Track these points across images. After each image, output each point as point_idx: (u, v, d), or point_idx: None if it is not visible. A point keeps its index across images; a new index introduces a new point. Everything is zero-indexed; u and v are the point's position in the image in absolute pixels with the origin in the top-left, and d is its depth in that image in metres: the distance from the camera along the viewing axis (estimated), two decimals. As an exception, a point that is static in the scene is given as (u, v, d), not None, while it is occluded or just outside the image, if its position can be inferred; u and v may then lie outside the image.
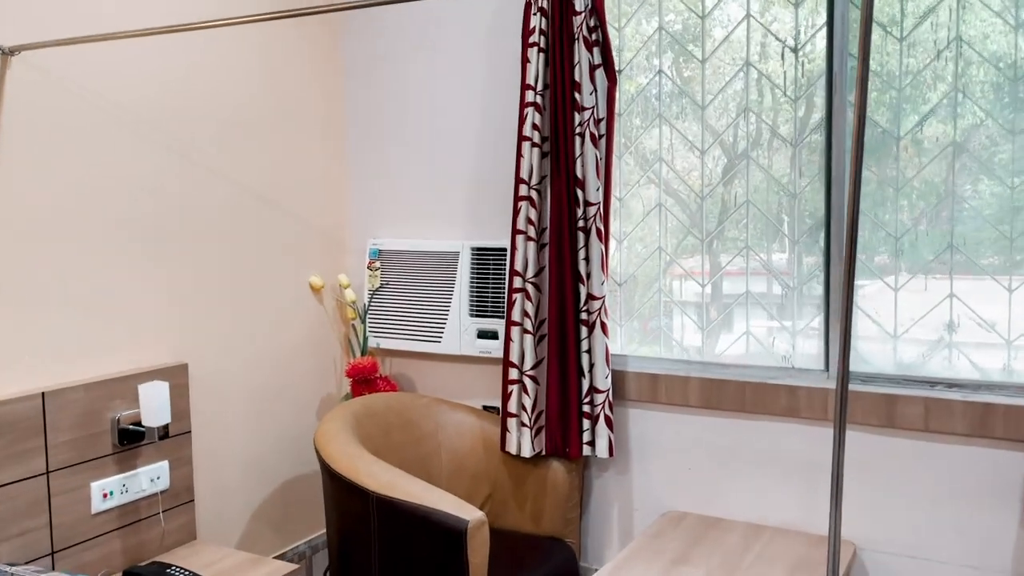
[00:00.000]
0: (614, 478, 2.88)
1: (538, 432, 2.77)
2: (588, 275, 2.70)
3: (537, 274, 2.74)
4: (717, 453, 2.69)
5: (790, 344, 2.63)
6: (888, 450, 2.42)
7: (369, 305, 3.24)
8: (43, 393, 2.24)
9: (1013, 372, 2.34)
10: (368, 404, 2.83)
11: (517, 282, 2.75)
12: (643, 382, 2.78)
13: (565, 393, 2.77)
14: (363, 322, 3.23)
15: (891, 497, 2.43)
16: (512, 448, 2.79)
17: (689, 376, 2.70)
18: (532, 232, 2.71)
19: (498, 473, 2.90)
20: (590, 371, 2.73)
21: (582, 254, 2.69)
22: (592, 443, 2.76)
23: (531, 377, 2.74)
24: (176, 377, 2.59)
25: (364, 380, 3.10)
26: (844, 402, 1.45)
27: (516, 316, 2.75)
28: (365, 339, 3.22)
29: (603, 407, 2.72)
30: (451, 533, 2.24)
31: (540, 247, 2.75)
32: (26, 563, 2.20)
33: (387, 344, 3.20)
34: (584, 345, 2.73)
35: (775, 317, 2.65)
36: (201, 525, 2.78)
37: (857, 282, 2.53)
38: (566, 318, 2.74)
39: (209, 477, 2.80)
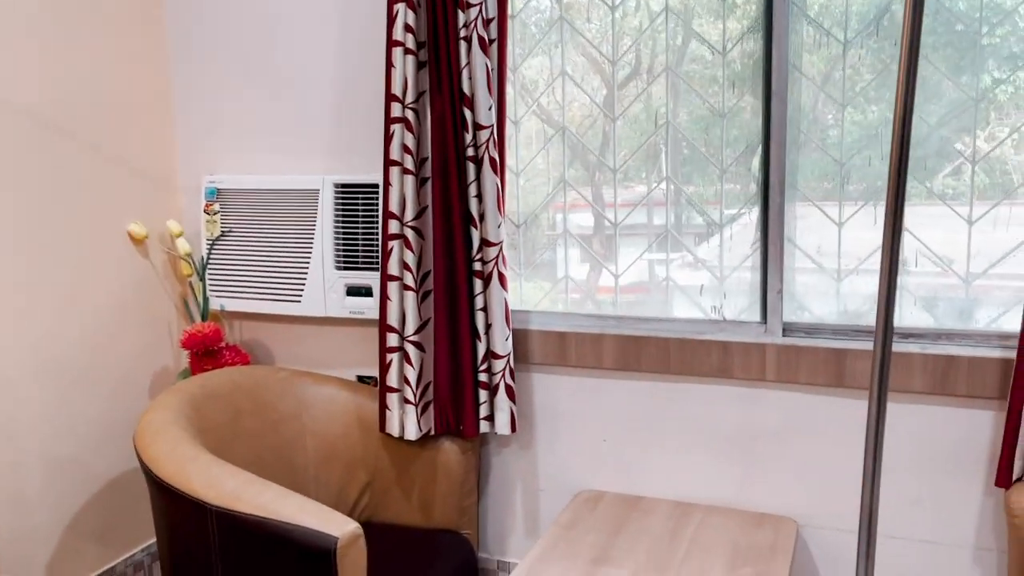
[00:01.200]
0: (516, 455, 2.44)
1: (425, 409, 2.29)
2: (481, 216, 2.20)
3: (418, 216, 2.22)
4: (637, 422, 2.29)
5: (720, 293, 2.24)
6: (836, 412, 2.08)
7: (208, 258, 2.63)
8: None
9: (973, 318, 2.03)
10: (208, 384, 2.26)
11: (393, 226, 2.22)
12: (549, 342, 2.33)
13: (457, 361, 2.28)
14: (201, 280, 2.62)
15: (838, 466, 2.10)
16: (394, 429, 2.29)
17: (603, 333, 2.27)
18: (410, 163, 2.18)
19: (378, 458, 2.40)
20: (487, 333, 2.26)
21: (473, 190, 2.19)
22: (491, 418, 2.31)
23: (414, 343, 2.24)
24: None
25: (206, 352, 2.51)
26: (886, 364, 1.03)
27: (393, 269, 2.23)
28: (205, 300, 2.62)
29: (503, 375, 2.25)
30: (316, 553, 1.74)
31: (421, 182, 2.22)
32: None
33: (234, 306, 2.61)
34: (479, 302, 2.24)
35: (700, 261, 2.25)
36: (-8, 549, 2.16)
37: (793, 213, 2.14)
38: (456, 270, 2.24)
39: None
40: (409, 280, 2.21)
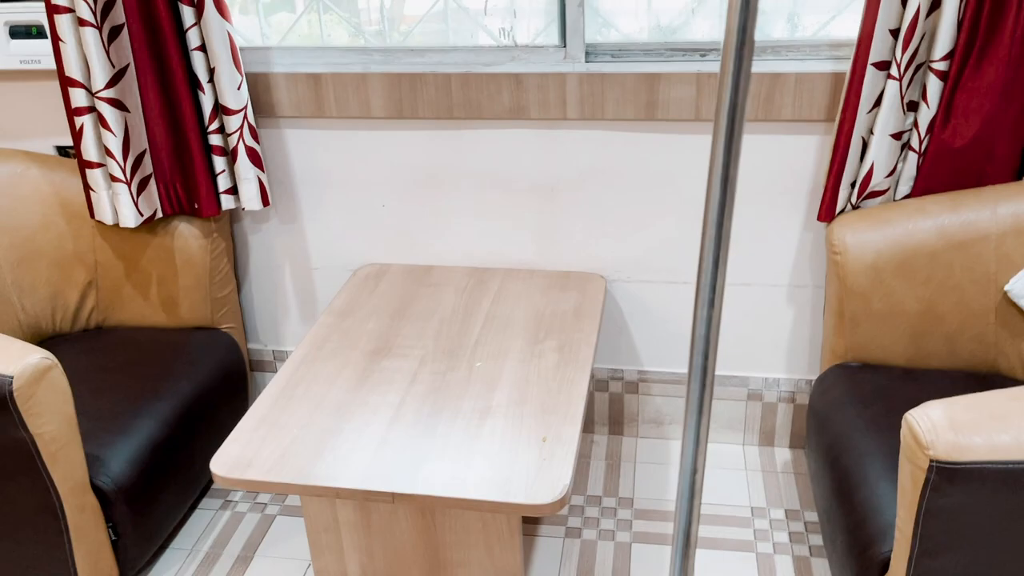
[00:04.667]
0: (280, 231, 2.00)
1: (143, 186, 1.76)
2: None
3: (82, -86, 1.55)
4: (419, 180, 1.89)
5: (511, 10, 1.77)
6: (645, 151, 1.77)
7: None
8: None
9: (799, 26, 1.71)
10: None
11: (47, -69, 1.55)
12: (301, 88, 1.81)
13: (177, 120, 1.74)
14: None
15: (650, 210, 1.82)
16: (105, 215, 1.77)
17: (368, 72, 1.78)
18: None
19: (97, 251, 1.89)
20: (211, 81, 1.71)
21: None
22: (234, 191, 1.82)
23: (109, 100, 1.66)
24: None
25: None
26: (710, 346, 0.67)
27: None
28: None
29: (240, 135, 1.75)
30: (-13, 399, 1.29)
31: None
32: None
33: None
34: (193, 38, 1.67)
35: (484, -31, 1.75)
36: None
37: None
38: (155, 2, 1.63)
39: None
40: (84, 11, 1.58)
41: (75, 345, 1.88)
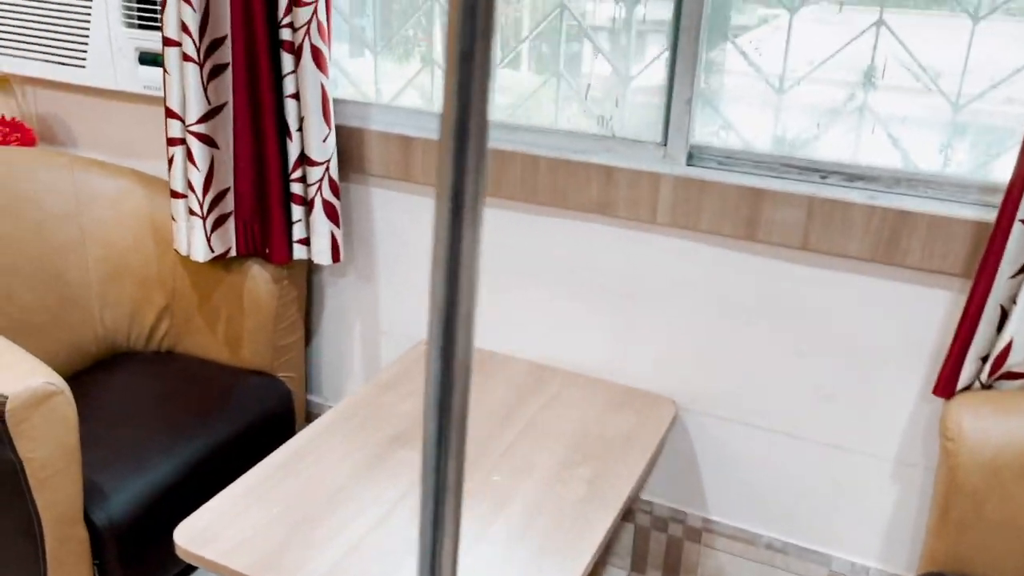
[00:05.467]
0: (355, 288, 1.94)
1: (220, 223, 1.76)
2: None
3: (203, -45, 1.57)
4: (494, 259, 1.76)
5: (614, 97, 1.63)
6: (741, 272, 1.55)
7: (-25, 2, 2.01)
8: None
9: (951, 160, 1.44)
10: (-66, 169, 1.72)
11: (168, -32, 1.59)
12: (392, 148, 1.75)
13: (262, 163, 1.73)
14: (-30, 31, 2.02)
15: (736, 341, 1.59)
16: (181, 246, 1.78)
17: (458, 142, 1.69)
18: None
19: (176, 278, 1.91)
20: (299, 129, 1.68)
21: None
22: (307, 241, 1.78)
23: (199, 136, 1.67)
24: None
25: (-30, 126, 1.96)
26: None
27: (171, 29, 1.62)
28: (-25, 59, 2.03)
29: (320, 187, 1.70)
30: (-18, 414, 1.28)
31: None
32: None
33: (15, 67, 2.02)
34: (289, 85, 1.65)
35: (598, 49, 1.62)
36: None
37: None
38: (255, 35, 1.63)
39: None
40: (189, 47, 1.60)
41: (139, 364, 1.89)
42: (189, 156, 1.68)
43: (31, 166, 1.85)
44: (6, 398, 1.26)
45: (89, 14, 1.87)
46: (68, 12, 1.89)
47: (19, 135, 1.99)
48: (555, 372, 1.74)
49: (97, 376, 1.88)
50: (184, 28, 1.59)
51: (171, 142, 1.70)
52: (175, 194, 1.74)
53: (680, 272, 1.59)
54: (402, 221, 1.82)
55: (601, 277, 1.66)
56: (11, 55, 2.00)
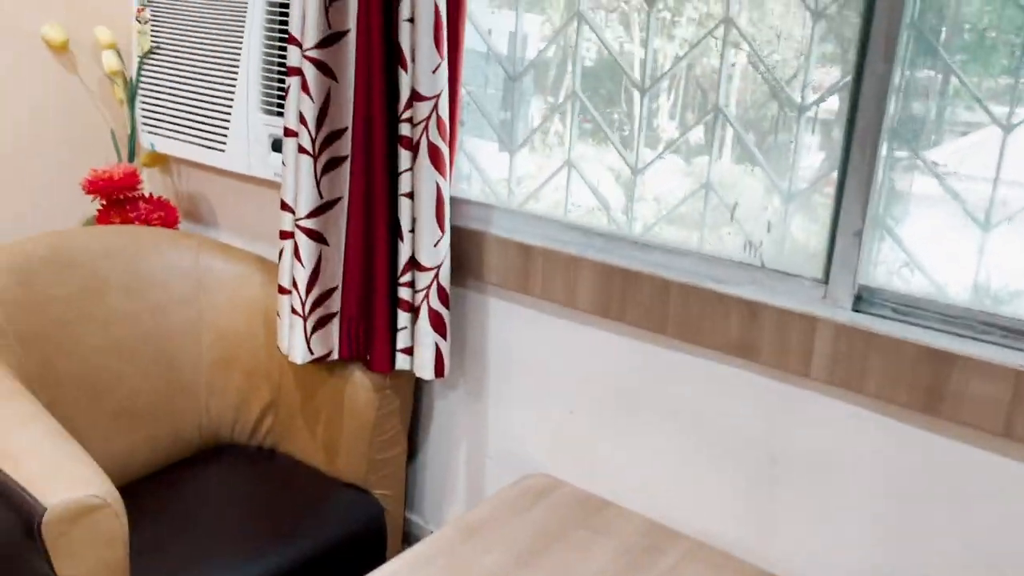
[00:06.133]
0: (464, 405, 1.76)
1: (322, 324, 1.63)
2: (412, 53, 1.44)
3: (326, 43, 1.49)
4: (614, 394, 1.52)
5: (764, 223, 1.36)
6: (922, 458, 1.20)
7: (138, 80, 2.06)
8: None
9: None
10: (64, 244, 1.73)
11: (293, 55, 1.51)
12: (511, 256, 1.57)
13: (371, 264, 1.60)
14: (131, 107, 2.07)
15: (911, 536, 1.24)
16: (282, 344, 1.67)
17: (582, 256, 1.48)
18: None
19: (283, 374, 1.81)
20: (412, 231, 1.54)
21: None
22: (411, 351, 1.62)
23: (308, 231, 1.57)
24: None
25: (116, 201, 1.99)
26: None
27: (290, 119, 1.54)
28: (132, 134, 2.08)
29: (427, 295, 1.55)
30: (21, 521, 1.19)
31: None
32: None
33: (166, 147, 2.05)
34: (404, 183, 1.52)
35: (757, 161, 1.36)
36: None
37: (910, 89, 1.20)
38: (372, 129, 1.52)
39: None
40: (305, 139, 1.51)
41: (237, 461, 1.80)
42: (296, 252, 1.57)
43: (160, 247, 1.83)
44: (45, 510, 1.17)
45: (232, 99, 1.85)
46: (215, 96, 1.89)
47: (162, 214, 2.00)
48: (678, 538, 1.44)
49: (195, 467, 1.80)
50: (301, 119, 1.51)
51: (282, 235, 1.61)
52: (282, 289, 1.64)
53: (836, 442, 1.27)
54: (516, 336, 1.63)
55: (735, 432, 1.37)
56: (165, 136, 2.03)
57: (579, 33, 1.52)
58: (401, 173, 1.51)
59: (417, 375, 1.61)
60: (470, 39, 1.64)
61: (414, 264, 1.55)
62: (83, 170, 2.12)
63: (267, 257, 1.95)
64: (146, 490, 1.73)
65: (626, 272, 1.42)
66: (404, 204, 1.53)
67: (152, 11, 1.97)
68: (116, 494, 1.24)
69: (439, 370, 1.60)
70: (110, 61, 2.02)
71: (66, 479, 1.22)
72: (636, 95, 1.48)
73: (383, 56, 1.47)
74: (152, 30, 1.98)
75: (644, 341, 1.45)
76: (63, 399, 1.66)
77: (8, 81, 1.94)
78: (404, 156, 1.50)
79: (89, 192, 1.94)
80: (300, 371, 1.77)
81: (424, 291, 1.55)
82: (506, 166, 1.67)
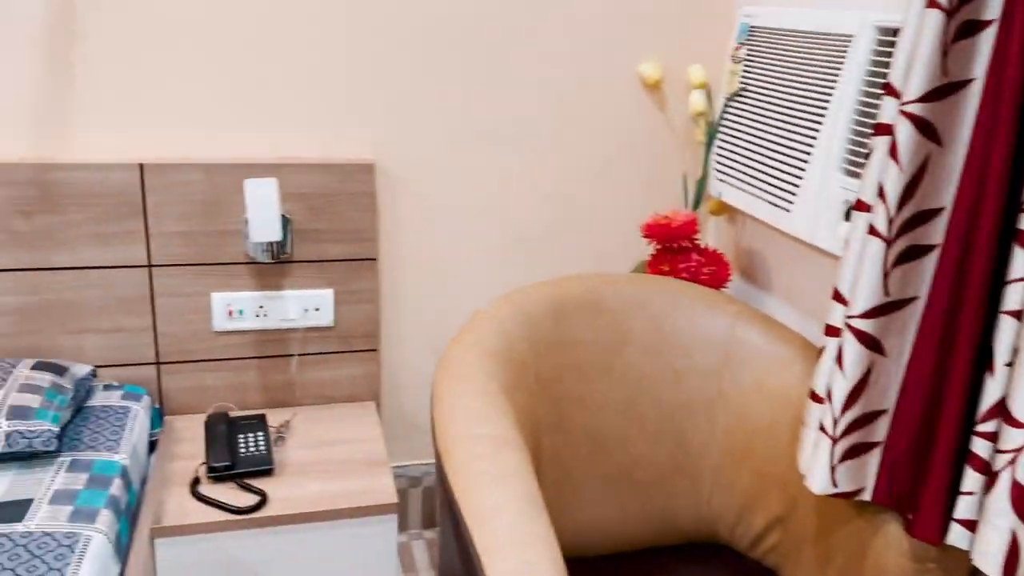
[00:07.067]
0: (1045, 619, 1.20)
1: (855, 453, 1.26)
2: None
3: (929, 97, 1.11)
4: None
5: None
6: None
7: (719, 123, 1.90)
8: (141, 165, 1.73)
9: None
10: (601, 289, 1.65)
11: (887, 109, 1.17)
12: None
13: (939, 394, 1.17)
14: (707, 151, 1.93)
15: None
16: (802, 463, 1.34)
17: None
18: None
19: (801, 489, 1.48)
20: (1009, 363, 1.07)
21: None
22: (973, 526, 1.15)
23: (856, 332, 1.20)
24: (355, 179, 1.83)
25: (670, 249, 1.87)
26: None
27: (866, 191, 1.20)
28: (702, 180, 1.94)
29: (1015, 462, 1.06)
30: (464, 591, 1.11)
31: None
32: (106, 366, 1.83)
33: (733, 197, 1.87)
34: (1011, 298, 1.06)
35: None
36: (386, 384, 2.07)
37: None
38: (980, 213, 1.09)
39: (397, 325, 2.03)
40: (879, 218, 1.16)
41: (730, 568, 1.54)
42: (839, 356, 1.23)
43: (695, 309, 1.65)
44: (483, 589, 1.06)
45: (810, 153, 1.56)
46: (792, 146, 1.63)
47: (713, 269, 1.83)
48: None
49: (682, 560, 1.60)
50: (880, 192, 1.15)
51: (828, 331, 1.28)
52: (814, 396, 1.31)
53: None
54: None
55: None
56: (734, 184, 1.85)
57: None
58: (1009, 283, 1.06)
59: (975, 564, 1.13)
60: None
61: (1003, 412, 1.08)
62: (647, 211, 2.06)
63: (816, 342, 1.62)
64: (628, 569, 1.58)
65: None
66: (1006, 325, 1.06)
67: (748, 51, 1.79)
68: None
69: (1010, 570, 1.09)
70: (697, 101, 1.91)
71: (518, 556, 1.10)
72: None
73: (1015, 117, 1.03)
74: (743, 70, 1.80)
75: None
76: (566, 449, 1.59)
77: (598, 117, 1.96)
78: (1020, 259, 1.04)
79: (646, 236, 1.86)
80: (820, 497, 1.42)
81: (1012, 454, 1.06)
82: None
